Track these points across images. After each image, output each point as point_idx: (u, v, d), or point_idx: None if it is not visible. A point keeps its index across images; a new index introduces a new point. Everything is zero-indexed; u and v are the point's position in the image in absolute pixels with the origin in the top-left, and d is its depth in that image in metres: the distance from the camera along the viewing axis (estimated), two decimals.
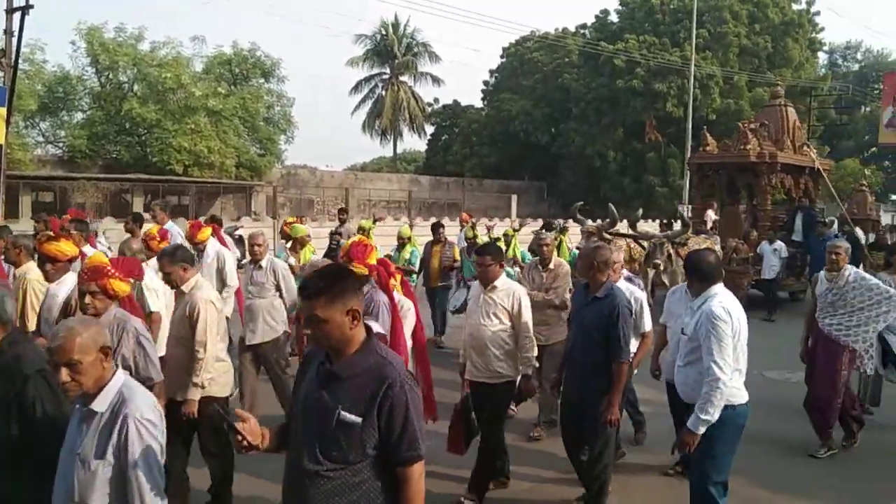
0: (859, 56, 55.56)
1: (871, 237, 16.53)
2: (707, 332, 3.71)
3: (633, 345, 4.90)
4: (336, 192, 30.14)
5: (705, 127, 15.62)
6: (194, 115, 24.50)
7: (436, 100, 44.99)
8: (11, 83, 12.59)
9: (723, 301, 3.84)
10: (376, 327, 4.00)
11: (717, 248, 12.19)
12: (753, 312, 11.93)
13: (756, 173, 13.84)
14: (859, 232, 16.14)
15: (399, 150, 48.70)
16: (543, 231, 7.82)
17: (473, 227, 11.48)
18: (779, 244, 13.04)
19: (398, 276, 4.73)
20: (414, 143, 68.42)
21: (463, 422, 4.70)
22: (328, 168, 36.11)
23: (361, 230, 9.23)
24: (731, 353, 3.72)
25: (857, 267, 13.63)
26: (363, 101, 45.43)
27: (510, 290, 4.70)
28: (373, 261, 4.32)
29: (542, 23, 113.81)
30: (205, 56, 27.82)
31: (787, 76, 33.18)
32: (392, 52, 44.27)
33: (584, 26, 38.63)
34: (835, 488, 5.23)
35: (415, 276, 9.14)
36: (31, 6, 12.22)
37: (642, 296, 5.22)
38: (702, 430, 3.67)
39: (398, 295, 4.57)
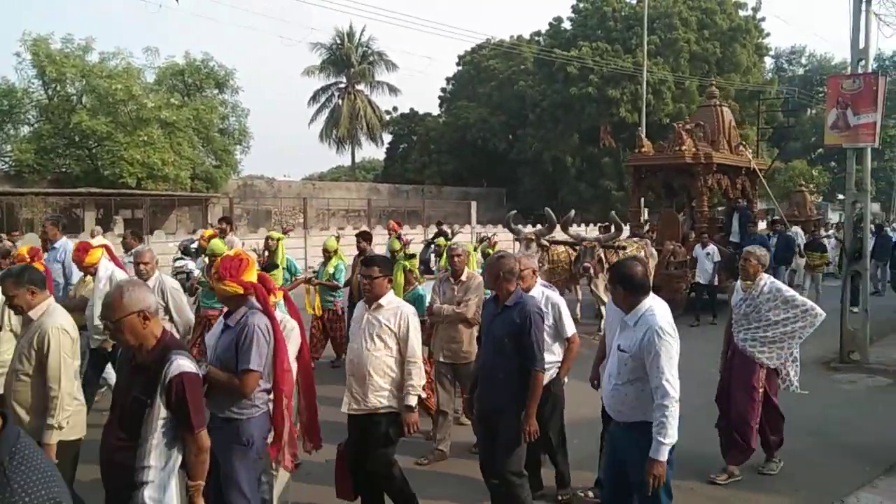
0: (804, 60, 57.42)
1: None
2: (655, 350, 3.46)
3: (558, 351, 4.85)
4: (294, 202, 29.86)
5: (639, 129, 15.42)
6: (147, 127, 24.01)
7: (394, 108, 45.05)
8: None
9: (665, 314, 3.63)
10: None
11: (653, 251, 12.10)
12: (689, 317, 12.12)
13: (692, 174, 13.63)
14: (800, 231, 16.28)
15: (357, 159, 48.62)
16: (456, 241, 7.45)
17: (400, 237, 11.01)
18: (711, 248, 12.53)
19: (279, 294, 4.30)
20: (372, 151, 68.37)
21: (348, 463, 4.30)
22: (286, 178, 35.79)
23: (326, 251, 8.67)
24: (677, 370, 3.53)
25: (788, 266, 13.81)
26: (320, 109, 45.22)
27: (397, 309, 4.29)
28: (249, 277, 3.74)
29: (498, 30, 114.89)
30: (157, 67, 27.37)
31: (735, 80, 34.07)
32: (348, 60, 44.14)
33: (538, 33, 39.10)
34: (789, 478, 5.36)
35: (340, 291, 8.52)
36: None
37: (560, 300, 4.96)
38: (665, 455, 3.41)
39: (281, 314, 4.18)
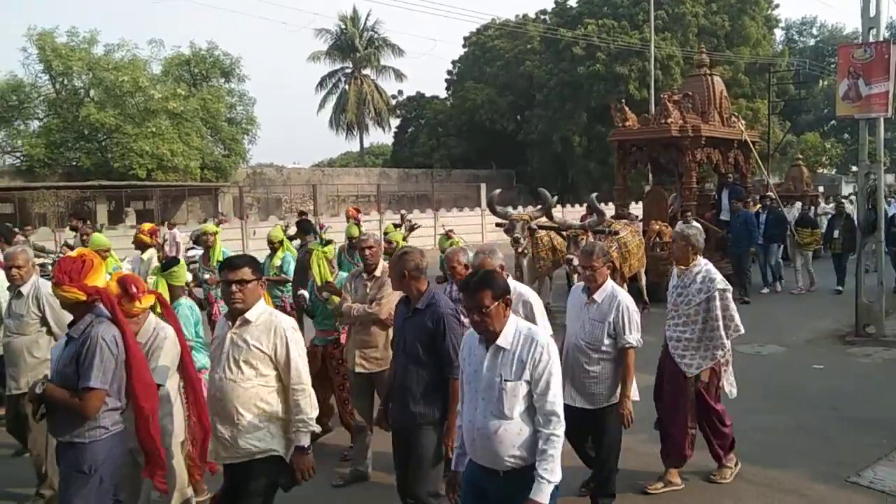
0: (815, 31, 56.58)
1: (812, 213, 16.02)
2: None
3: None
4: (304, 189, 29.89)
5: (623, 101, 14.21)
6: (155, 118, 24.07)
7: (400, 92, 44.86)
8: None
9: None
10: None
11: (639, 232, 11.58)
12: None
13: (679, 148, 12.72)
14: (796, 206, 15.64)
15: (366, 145, 48.50)
16: (366, 233, 6.39)
17: (358, 223, 10.17)
18: (695, 226, 12.11)
19: (149, 298, 3.82)
20: (380, 136, 68.24)
21: None
22: (295, 165, 35.81)
23: (271, 243, 7.78)
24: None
25: (781, 245, 13.28)
26: (327, 96, 45.13)
27: (270, 324, 3.39)
28: (94, 281, 3.23)
29: (503, 10, 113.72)
30: (162, 58, 27.38)
31: (745, 54, 33.63)
32: (353, 45, 43.94)
33: (544, 12, 38.67)
34: (805, 452, 5.33)
35: (289, 286, 7.36)
36: None
37: (534, 298, 4.43)
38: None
39: (156, 320, 3.77)
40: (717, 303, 4.62)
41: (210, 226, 8.20)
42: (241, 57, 28.06)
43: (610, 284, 4.39)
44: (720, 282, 4.69)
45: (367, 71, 44.89)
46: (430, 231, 26.09)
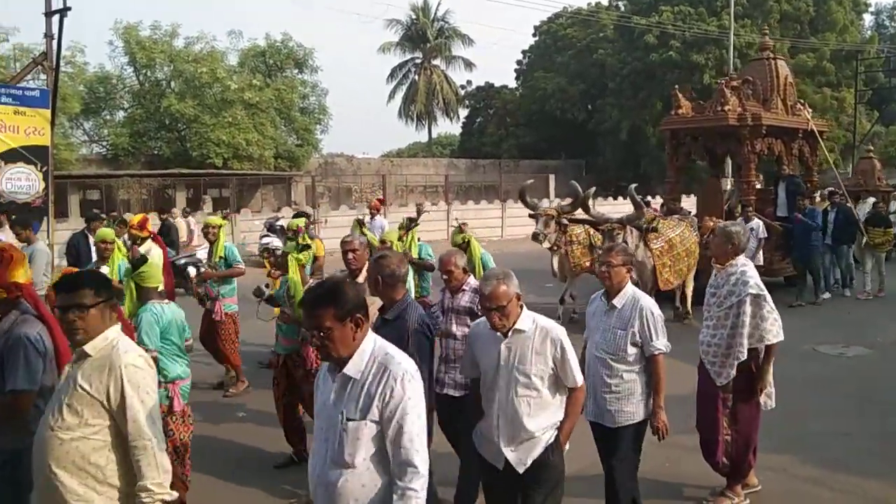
0: None
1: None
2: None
3: (557, 406, 3.71)
4: (373, 179, 30.23)
5: (676, 87, 13.32)
6: (231, 109, 24.77)
7: (469, 82, 44.82)
8: (54, 86, 12.83)
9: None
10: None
11: (694, 230, 10.75)
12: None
13: (738, 138, 11.79)
14: (868, 203, 14.36)
15: (434, 135, 48.66)
16: (352, 234, 5.79)
17: (371, 217, 10.01)
18: (756, 223, 11.01)
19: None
20: (447, 127, 68.29)
21: None
22: (365, 156, 36.26)
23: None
24: None
25: (851, 245, 12.33)
26: (397, 86, 45.47)
27: (107, 360, 2.62)
28: (16, 277, 3.02)
29: None
30: (239, 49, 28.13)
31: (831, 40, 32.11)
32: (424, 36, 44.09)
33: None
34: (892, 460, 5.09)
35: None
36: (69, 8, 12.41)
37: (562, 335, 3.74)
38: None
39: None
40: (747, 307, 4.26)
41: (215, 218, 7.70)
42: (315, 48, 28.54)
43: (631, 288, 4.00)
44: (753, 286, 4.30)
45: (436, 61, 44.99)
46: (497, 222, 26.01)
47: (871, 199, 14.15)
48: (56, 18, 12.64)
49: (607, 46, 35.16)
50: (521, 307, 3.27)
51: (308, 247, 5.87)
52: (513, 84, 42.56)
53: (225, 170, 24.28)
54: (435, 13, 44.75)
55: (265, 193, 27.15)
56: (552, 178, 31.32)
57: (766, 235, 11.19)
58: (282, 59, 28.17)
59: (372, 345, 2.43)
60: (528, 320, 3.27)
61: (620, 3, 37.22)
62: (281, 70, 28.47)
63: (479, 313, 4.32)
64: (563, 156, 37.84)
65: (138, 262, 4.49)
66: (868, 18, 44.19)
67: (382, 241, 6.97)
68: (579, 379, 3.32)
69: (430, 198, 29.58)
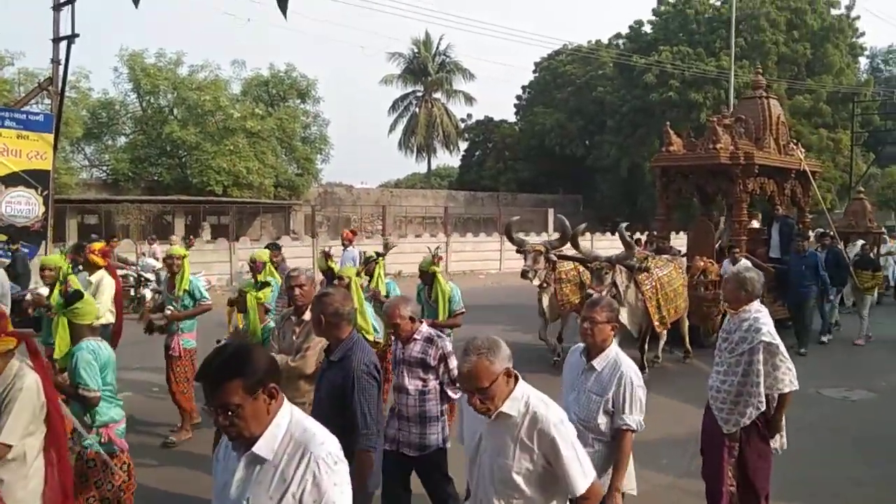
0: None
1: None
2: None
3: None
4: (372, 209, 30.30)
5: (668, 123, 13.23)
6: (233, 137, 24.91)
7: (469, 116, 45.23)
8: (58, 111, 12.89)
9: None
10: None
11: (682, 270, 10.45)
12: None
13: (729, 177, 11.56)
14: (858, 245, 13.86)
15: (433, 167, 48.92)
16: (297, 268, 5.17)
17: (339, 250, 9.72)
18: (742, 264, 10.39)
19: (8, 341, 3.24)
20: (447, 159, 68.79)
21: None
22: (363, 185, 36.40)
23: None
24: None
25: (841, 289, 12.14)
26: (398, 118, 45.84)
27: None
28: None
29: (575, 36, 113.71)
30: (242, 78, 28.39)
31: (827, 82, 32.55)
32: (426, 69, 44.58)
33: (618, 36, 38.43)
34: None
35: (271, 314, 6.63)
36: (77, 35, 12.52)
37: (559, 416, 3.09)
38: None
39: (21, 366, 3.29)
40: (760, 356, 4.13)
41: (178, 248, 7.16)
42: (317, 79, 28.83)
43: (614, 350, 3.61)
44: (766, 334, 4.17)
45: (437, 94, 45.43)
46: (495, 255, 25.99)
47: (861, 242, 13.81)
48: (63, 44, 12.75)
49: (606, 84, 35.57)
50: (516, 380, 2.61)
51: (268, 284, 5.43)
52: (512, 119, 42.99)
53: (225, 197, 24.32)
54: (437, 48, 45.33)
55: (264, 221, 27.16)
56: (550, 212, 31.43)
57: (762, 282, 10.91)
58: (285, 88, 28.44)
59: (288, 418, 2.05)
60: (518, 402, 2.57)
61: (620, 42, 37.74)
62: (283, 100, 28.72)
63: (433, 365, 4.17)
64: (561, 190, 38.04)
65: (72, 296, 4.05)
66: (863, 62, 44.94)
67: (339, 277, 6.29)
68: (581, 486, 2.52)
69: (428, 229, 29.62)
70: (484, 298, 15.36)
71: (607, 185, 35.49)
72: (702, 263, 10.78)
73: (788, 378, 4.22)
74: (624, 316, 8.84)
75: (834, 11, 34.68)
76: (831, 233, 13.45)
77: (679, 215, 23.38)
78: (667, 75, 31.54)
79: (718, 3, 34.63)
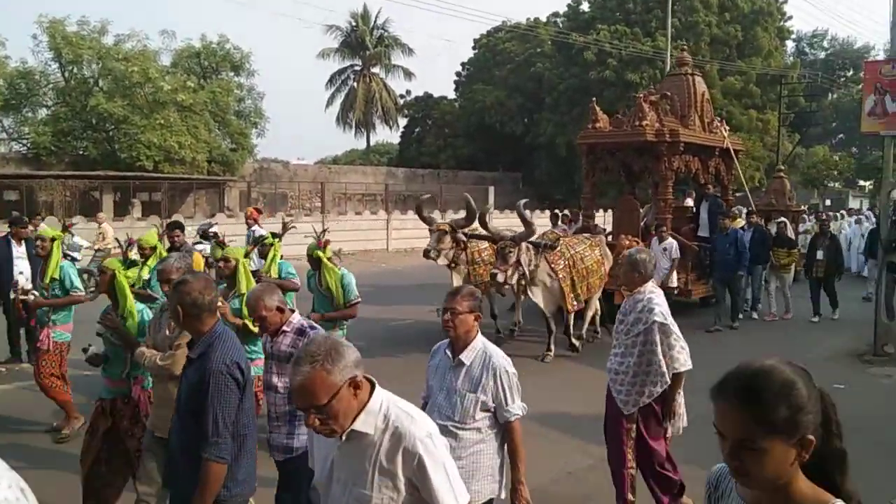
0: (825, 44, 56.44)
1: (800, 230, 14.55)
2: None
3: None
4: (310, 186, 29.74)
5: (594, 99, 13.06)
6: (163, 110, 23.95)
7: (408, 92, 44.75)
8: None
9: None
10: None
11: (606, 251, 10.29)
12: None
13: (655, 155, 11.41)
14: (787, 223, 13.94)
15: (372, 143, 48.39)
16: (168, 258, 4.77)
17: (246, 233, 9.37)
18: (669, 242, 10.83)
19: None
20: (386, 135, 68.11)
21: None
22: (300, 161, 35.68)
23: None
24: None
25: (765, 266, 12.20)
26: (335, 93, 45.04)
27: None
28: None
29: (515, 13, 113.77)
30: (173, 49, 27.27)
31: (756, 64, 33.54)
32: (364, 43, 43.86)
33: (556, 15, 38.59)
34: None
35: (159, 303, 5.72)
36: None
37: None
38: None
39: None
40: (656, 336, 4.25)
41: (49, 229, 6.62)
42: (252, 51, 27.92)
43: (481, 341, 3.34)
44: (658, 314, 4.27)
45: (376, 69, 44.81)
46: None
47: (782, 219, 13.96)
48: None
49: (545, 61, 35.73)
50: (371, 388, 2.12)
51: (135, 263, 4.98)
52: (452, 95, 42.79)
53: (156, 173, 23.43)
54: (374, 21, 44.62)
55: (198, 198, 26.32)
56: (491, 189, 31.51)
57: (679, 255, 10.97)
58: (217, 60, 27.46)
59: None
60: (374, 416, 2.07)
61: (559, 20, 37.91)
62: (216, 72, 27.75)
63: None
64: (501, 168, 38.20)
65: None
66: (790, 45, 46.49)
67: (225, 259, 5.54)
68: None
69: (368, 206, 29.31)
70: (423, 277, 15.32)
71: (546, 163, 35.79)
72: (627, 242, 10.46)
73: (682, 357, 4.31)
74: (538, 296, 8.90)
75: None
76: (756, 211, 13.73)
77: (614, 193, 23.82)
78: (605, 54, 31.88)
79: None
